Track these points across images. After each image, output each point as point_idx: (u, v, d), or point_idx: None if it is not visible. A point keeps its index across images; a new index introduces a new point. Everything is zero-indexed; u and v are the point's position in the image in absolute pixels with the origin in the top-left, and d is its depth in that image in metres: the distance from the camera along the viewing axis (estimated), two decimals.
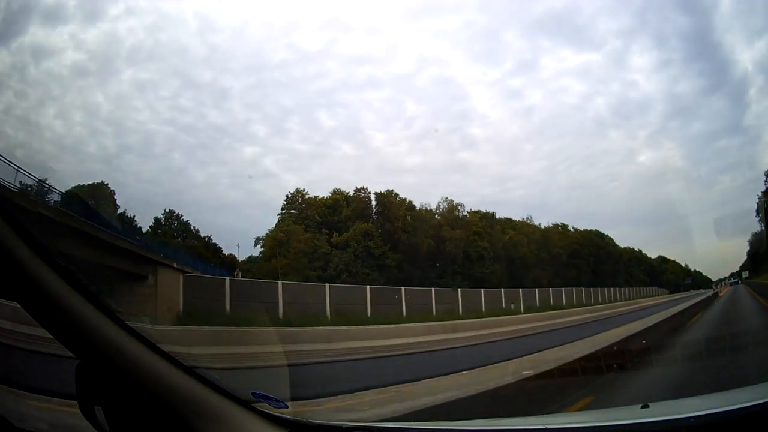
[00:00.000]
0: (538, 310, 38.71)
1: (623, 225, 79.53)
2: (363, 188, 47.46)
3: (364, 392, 8.85)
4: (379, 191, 47.33)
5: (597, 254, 58.58)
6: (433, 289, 37.71)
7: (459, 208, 50.98)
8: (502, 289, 41.89)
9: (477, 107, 62.56)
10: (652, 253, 71.92)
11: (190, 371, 1.89)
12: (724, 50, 70.21)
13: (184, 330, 16.87)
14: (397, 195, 47.16)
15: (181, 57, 51.24)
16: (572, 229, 58.86)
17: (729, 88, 63.72)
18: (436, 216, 49.82)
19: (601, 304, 47.11)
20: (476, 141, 63.09)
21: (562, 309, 39.33)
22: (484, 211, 52.92)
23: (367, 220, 45.78)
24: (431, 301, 35.89)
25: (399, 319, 29.13)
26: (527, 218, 57.22)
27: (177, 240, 41.91)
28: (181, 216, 44.35)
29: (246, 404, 2.07)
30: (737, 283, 63.07)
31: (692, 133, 61.81)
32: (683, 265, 78.58)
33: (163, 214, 43.73)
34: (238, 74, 60.37)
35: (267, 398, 2.31)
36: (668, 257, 76.73)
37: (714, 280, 72.31)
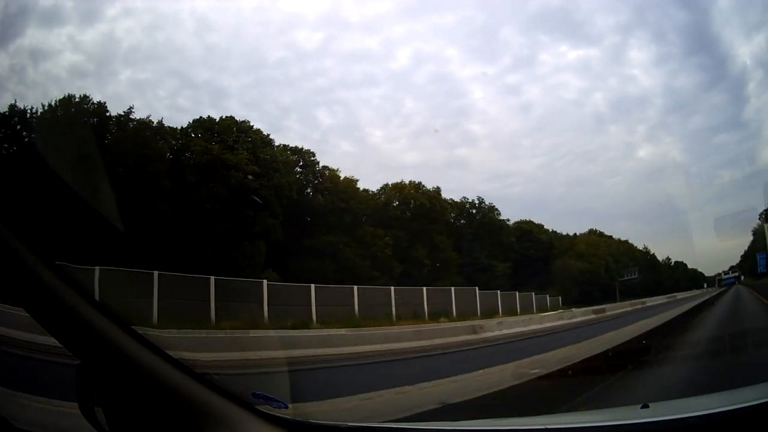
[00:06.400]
0: None
1: (623, 221, 78.66)
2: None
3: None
4: None
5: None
6: None
7: None
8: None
9: (475, 103, 62.02)
10: (656, 252, 54.23)
11: (191, 372, 1.89)
12: (723, 44, 69.86)
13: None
14: None
15: (178, 57, 50.97)
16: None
17: (728, 82, 62.97)
18: None
19: None
20: (475, 137, 62.52)
21: None
22: None
23: None
24: None
25: None
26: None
27: None
28: None
29: (246, 405, 2.07)
30: (737, 279, 48.89)
31: (691, 127, 61.07)
32: (643, 247, 52.48)
33: None
34: (236, 73, 60.26)
35: (267, 399, 2.32)
36: (605, 232, 49.91)
37: (708, 275, 54.95)
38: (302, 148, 38.29)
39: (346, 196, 36.88)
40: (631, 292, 43.39)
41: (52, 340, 1.74)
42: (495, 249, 42.73)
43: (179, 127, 33.59)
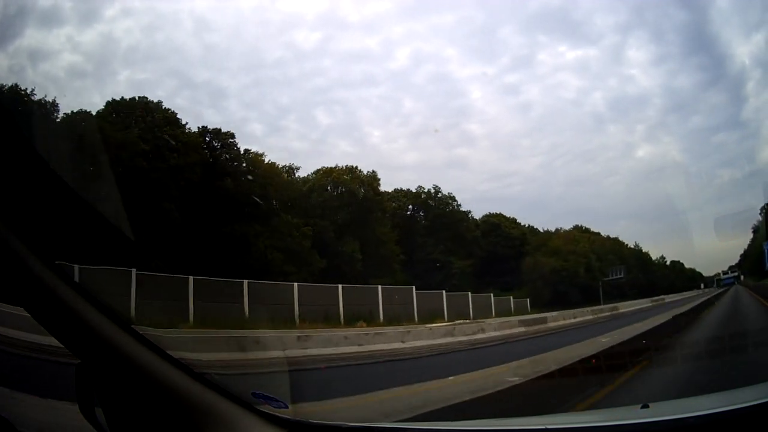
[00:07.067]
0: None
1: (622, 220, 78.63)
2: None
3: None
4: None
5: None
6: None
7: None
8: None
9: (474, 103, 62.07)
10: (653, 251, 51.18)
11: (192, 372, 1.89)
12: (722, 44, 69.87)
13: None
14: None
15: (177, 57, 50.99)
16: None
17: (727, 82, 62.87)
18: None
19: None
20: (474, 137, 62.49)
21: None
22: None
23: None
24: None
25: None
26: None
27: None
28: None
29: (246, 405, 2.07)
30: (736, 279, 46.11)
31: (690, 127, 61.04)
32: (634, 245, 48.34)
33: None
34: (235, 73, 60.34)
35: (267, 399, 2.32)
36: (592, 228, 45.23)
37: (707, 275, 51.96)
38: (219, 130, 34.22)
39: (264, 182, 32.73)
40: (618, 293, 39.24)
41: (52, 340, 1.75)
42: (454, 244, 37.74)
43: (95, 111, 30.90)
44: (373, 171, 37.17)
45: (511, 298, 34.95)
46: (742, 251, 46.61)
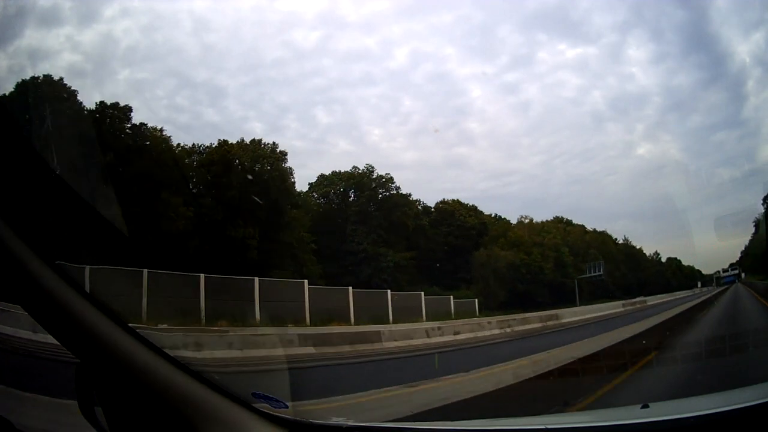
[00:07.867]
0: None
1: (622, 219, 78.48)
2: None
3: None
4: None
5: None
6: None
7: None
8: None
9: (473, 102, 62.06)
10: (651, 249, 48.84)
11: (191, 372, 1.89)
12: (721, 43, 69.80)
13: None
14: None
15: (176, 57, 51.04)
16: None
17: (726, 80, 62.68)
18: None
19: None
20: (473, 136, 62.41)
21: None
22: None
23: None
24: None
25: None
26: None
27: None
28: None
29: (246, 404, 2.07)
30: (737, 277, 44.23)
31: (690, 126, 60.82)
32: (624, 239, 44.57)
33: None
34: (234, 73, 60.36)
35: (267, 398, 2.32)
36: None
37: (706, 273, 48.88)
38: (117, 103, 30.54)
39: (151, 158, 29.00)
40: (602, 292, 34.90)
41: (51, 339, 1.75)
42: (390, 233, 32.57)
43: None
44: (274, 143, 32.54)
45: (451, 297, 29.01)
46: (743, 248, 45.59)
